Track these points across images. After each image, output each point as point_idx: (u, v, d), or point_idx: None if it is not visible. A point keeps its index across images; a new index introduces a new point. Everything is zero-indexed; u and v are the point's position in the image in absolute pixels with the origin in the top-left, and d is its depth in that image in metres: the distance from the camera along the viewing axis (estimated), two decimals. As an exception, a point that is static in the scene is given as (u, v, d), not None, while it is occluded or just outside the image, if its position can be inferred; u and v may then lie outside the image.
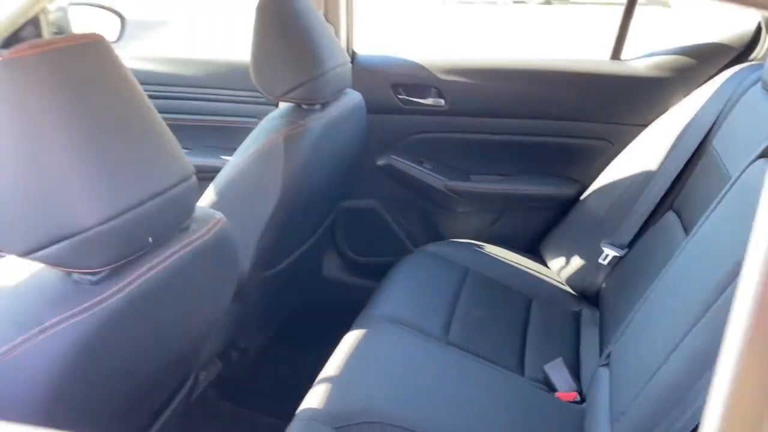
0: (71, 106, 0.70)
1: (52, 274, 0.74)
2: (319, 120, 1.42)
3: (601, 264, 1.52)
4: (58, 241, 0.69)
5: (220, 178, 1.35)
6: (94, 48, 0.78)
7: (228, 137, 1.91)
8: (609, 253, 1.50)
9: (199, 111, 2.01)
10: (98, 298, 0.72)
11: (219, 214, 0.96)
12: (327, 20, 1.75)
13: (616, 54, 1.83)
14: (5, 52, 0.72)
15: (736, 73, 1.49)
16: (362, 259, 2.02)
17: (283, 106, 1.48)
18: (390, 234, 1.99)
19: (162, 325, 0.87)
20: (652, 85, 1.74)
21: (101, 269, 0.73)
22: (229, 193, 1.29)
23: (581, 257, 1.61)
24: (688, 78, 1.71)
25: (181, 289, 0.87)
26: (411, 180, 1.89)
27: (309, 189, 1.47)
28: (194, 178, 0.85)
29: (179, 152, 0.84)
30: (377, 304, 1.43)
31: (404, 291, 1.49)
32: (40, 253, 0.69)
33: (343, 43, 1.83)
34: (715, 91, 1.48)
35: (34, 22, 1.97)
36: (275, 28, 1.35)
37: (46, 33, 2.02)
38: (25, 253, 0.70)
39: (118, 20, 2.20)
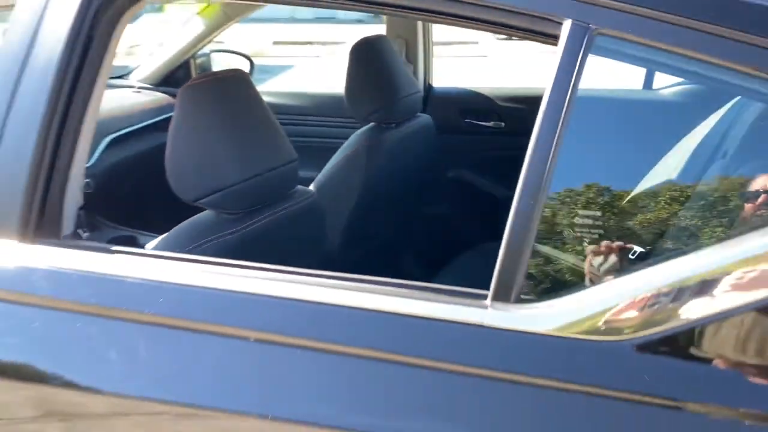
0: (225, 112, 1.18)
1: (210, 213, 1.20)
2: (393, 136, 1.85)
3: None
4: (213, 192, 1.15)
5: (319, 176, 1.80)
6: (237, 78, 1.25)
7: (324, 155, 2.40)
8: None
9: (304, 134, 2.50)
10: (233, 229, 1.16)
11: (312, 191, 1.41)
12: (408, 61, 2.21)
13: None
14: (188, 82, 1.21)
15: None
16: (433, 259, 2.41)
17: (366, 126, 1.92)
18: (457, 235, 2.37)
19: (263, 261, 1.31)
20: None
21: (237, 212, 1.18)
22: (323, 187, 1.74)
23: None
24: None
25: (281, 238, 1.31)
26: (476, 189, 2.29)
27: (386, 190, 1.89)
28: (297, 162, 1.30)
29: (289, 145, 1.29)
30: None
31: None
32: (203, 200, 1.16)
33: (420, 78, 2.27)
34: None
35: (185, 65, 2.57)
36: (364, 66, 1.80)
37: (194, 73, 2.60)
38: (194, 200, 1.16)
39: (248, 63, 2.78)
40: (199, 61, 2.65)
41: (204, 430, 0.78)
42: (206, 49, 2.67)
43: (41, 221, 0.94)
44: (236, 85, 1.24)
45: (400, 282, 0.77)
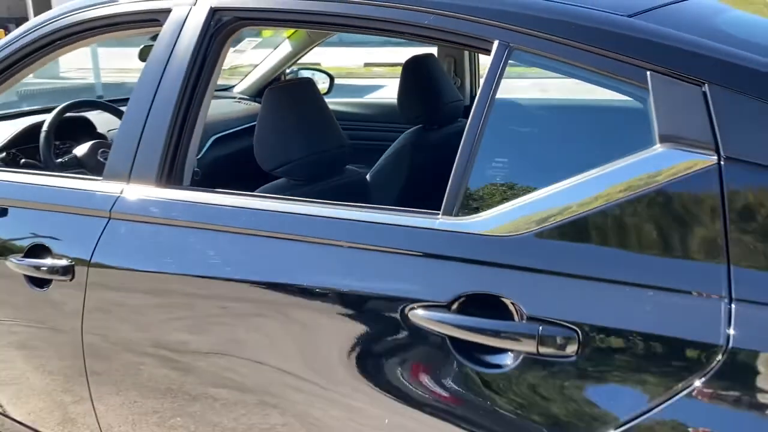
0: (293, 107, 1.66)
1: (283, 180, 1.67)
2: (435, 136, 2.28)
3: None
4: (284, 165, 1.62)
5: (374, 166, 2.24)
6: (305, 84, 1.74)
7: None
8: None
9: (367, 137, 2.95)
10: (297, 191, 1.63)
11: (361, 172, 1.86)
12: (455, 74, 2.63)
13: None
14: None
15: None
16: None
17: (414, 127, 2.35)
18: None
19: None
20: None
21: (300, 179, 1.65)
22: (375, 172, 2.18)
23: None
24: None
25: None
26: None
27: (426, 180, 2.31)
28: (347, 147, 1.75)
29: (341, 134, 1.75)
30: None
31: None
32: (278, 170, 1.62)
33: (467, 90, 2.69)
34: None
35: (277, 80, 3.11)
36: (413, 78, 2.25)
37: (284, 84, 3.14)
38: (271, 170, 1.63)
39: (328, 79, 3.29)
40: (289, 76, 3.19)
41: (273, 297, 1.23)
42: (294, 67, 3.21)
43: (170, 176, 1.43)
44: (303, 89, 1.72)
45: (385, 207, 1.21)
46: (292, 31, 2.84)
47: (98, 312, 1.44)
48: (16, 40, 1.70)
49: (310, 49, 3.02)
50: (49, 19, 1.65)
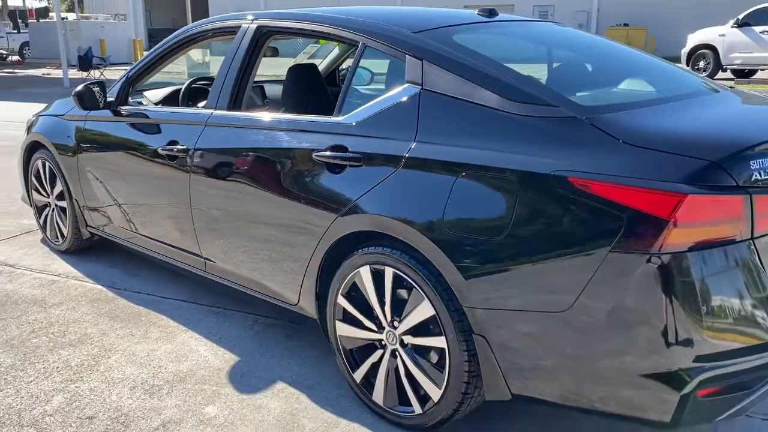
0: (302, 79, 3.19)
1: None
2: None
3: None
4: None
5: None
6: (309, 66, 3.26)
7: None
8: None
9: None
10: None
11: None
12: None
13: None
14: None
15: None
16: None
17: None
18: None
19: None
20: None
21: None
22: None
23: None
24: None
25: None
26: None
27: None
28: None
29: (333, 102, 3.26)
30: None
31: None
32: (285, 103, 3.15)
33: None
34: None
35: (333, 72, 4.64)
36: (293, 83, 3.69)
37: (337, 80, 4.67)
38: (286, 107, 3.15)
39: (370, 74, 4.77)
40: (342, 73, 4.71)
41: None
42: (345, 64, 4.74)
43: (234, 107, 2.98)
44: (308, 69, 3.24)
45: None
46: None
47: (197, 174, 3.02)
48: (166, 43, 3.38)
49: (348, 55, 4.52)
50: (183, 31, 3.30)
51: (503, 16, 3.02)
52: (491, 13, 2.93)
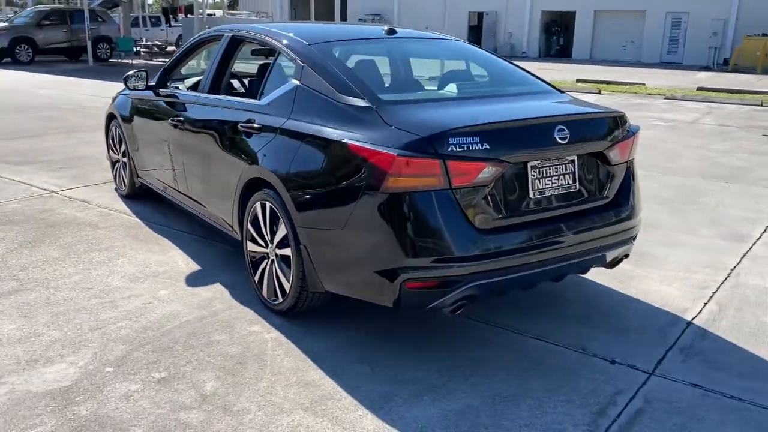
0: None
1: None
2: None
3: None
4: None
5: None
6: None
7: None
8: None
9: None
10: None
11: None
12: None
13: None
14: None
15: None
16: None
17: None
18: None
19: None
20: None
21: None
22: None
23: None
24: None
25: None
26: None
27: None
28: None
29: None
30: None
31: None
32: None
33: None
34: None
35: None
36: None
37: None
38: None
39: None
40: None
41: None
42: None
43: (215, 90, 4.23)
44: (261, 67, 4.44)
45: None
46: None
47: (185, 136, 4.30)
48: (186, 45, 4.71)
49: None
50: (195, 38, 4.62)
51: (403, 33, 4.04)
52: (390, 31, 3.96)
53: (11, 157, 7.40)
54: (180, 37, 33.81)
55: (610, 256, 3.36)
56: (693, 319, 3.59)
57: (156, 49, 24.70)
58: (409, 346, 3.22)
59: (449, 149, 2.77)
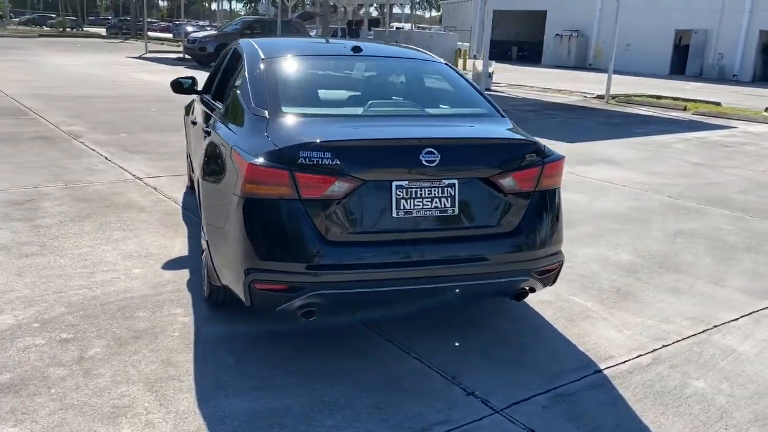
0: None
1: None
2: None
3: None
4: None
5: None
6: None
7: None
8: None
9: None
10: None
11: None
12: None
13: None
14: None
15: None
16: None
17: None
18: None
19: None
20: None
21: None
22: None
23: None
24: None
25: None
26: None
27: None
28: None
29: None
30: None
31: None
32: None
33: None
34: None
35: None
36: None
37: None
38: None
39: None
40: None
41: None
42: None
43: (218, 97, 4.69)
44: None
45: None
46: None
47: (196, 131, 4.81)
48: (220, 60, 5.20)
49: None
50: (223, 53, 5.12)
51: (369, 50, 4.17)
52: (355, 49, 4.12)
53: (136, 147, 8.56)
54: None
55: (508, 286, 3.24)
56: (606, 369, 3.31)
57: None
58: (293, 346, 3.39)
59: (299, 161, 2.91)
